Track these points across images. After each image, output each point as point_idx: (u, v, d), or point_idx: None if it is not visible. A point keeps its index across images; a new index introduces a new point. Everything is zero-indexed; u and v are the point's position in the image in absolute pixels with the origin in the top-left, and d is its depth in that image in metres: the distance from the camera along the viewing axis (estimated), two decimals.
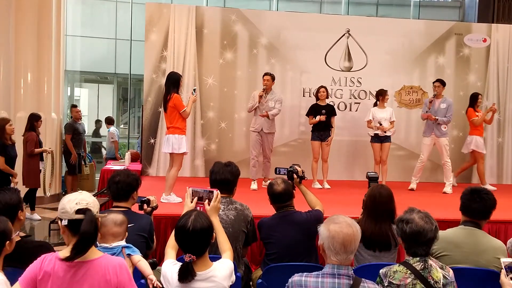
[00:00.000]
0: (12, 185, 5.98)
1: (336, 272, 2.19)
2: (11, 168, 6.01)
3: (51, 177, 7.35)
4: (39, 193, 7.03)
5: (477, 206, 2.98)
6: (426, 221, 2.42)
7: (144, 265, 2.78)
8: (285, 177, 3.65)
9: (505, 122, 8.52)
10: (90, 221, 2.08)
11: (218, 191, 2.88)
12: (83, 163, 8.67)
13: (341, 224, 2.22)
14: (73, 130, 8.13)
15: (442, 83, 6.86)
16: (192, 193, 2.87)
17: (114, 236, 2.78)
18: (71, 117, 8.62)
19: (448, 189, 6.78)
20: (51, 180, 7.34)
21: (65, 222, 2.10)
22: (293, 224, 3.29)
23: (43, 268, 2.06)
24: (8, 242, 2.22)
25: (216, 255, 2.68)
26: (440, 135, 6.77)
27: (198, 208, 2.79)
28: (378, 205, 3.28)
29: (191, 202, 2.84)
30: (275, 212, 3.48)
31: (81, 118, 8.44)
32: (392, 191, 3.43)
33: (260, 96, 6.50)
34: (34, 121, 6.70)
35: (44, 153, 6.83)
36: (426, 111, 6.78)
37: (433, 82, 6.95)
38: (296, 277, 2.25)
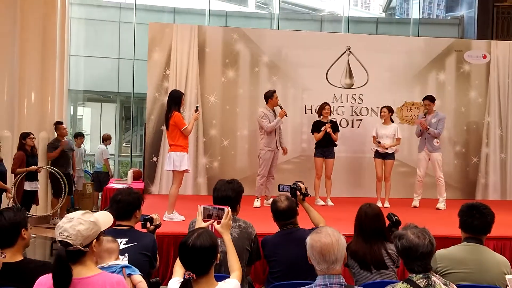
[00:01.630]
0: (7, 201, 6.02)
1: (327, 282, 2.24)
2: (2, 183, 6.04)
3: (63, 196, 7.32)
4: (40, 212, 7.05)
5: (478, 222, 2.97)
6: (418, 236, 2.41)
7: (143, 287, 2.74)
8: (288, 194, 3.63)
9: (507, 137, 8.52)
10: (55, 260, 2.08)
11: (229, 208, 2.88)
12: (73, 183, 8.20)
13: (320, 234, 2.28)
14: (54, 149, 7.68)
15: (431, 99, 6.89)
16: (203, 210, 2.88)
17: (109, 253, 2.74)
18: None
19: (441, 205, 6.78)
20: (63, 198, 7.31)
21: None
22: (297, 241, 3.26)
23: None
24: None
25: (222, 274, 2.66)
26: (432, 150, 6.78)
27: (209, 226, 2.80)
28: (365, 225, 3.29)
29: (202, 220, 2.85)
30: (279, 230, 3.46)
31: (67, 135, 8.09)
32: (381, 209, 3.42)
33: (285, 115, 6.50)
34: (22, 139, 6.70)
35: (38, 172, 6.74)
36: (420, 130, 6.82)
37: (423, 100, 6.96)
38: None
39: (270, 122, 6.42)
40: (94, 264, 2.22)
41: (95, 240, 2.19)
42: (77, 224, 2.13)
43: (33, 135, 6.85)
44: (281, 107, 6.51)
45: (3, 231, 2.58)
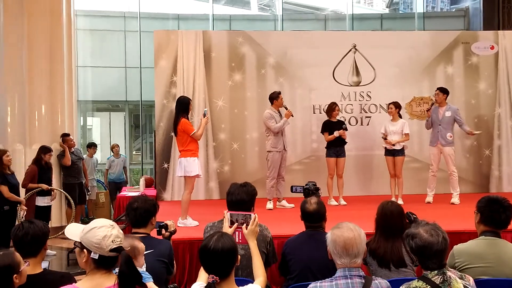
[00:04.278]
0: (20, 212, 5.98)
1: (348, 274, 2.34)
2: (16, 196, 5.94)
3: (73, 210, 7.35)
4: (56, 223, 7.07)
5: (504, 216, 2.94)
6: (431, 234, 2.37)
7: None
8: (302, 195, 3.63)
9: None
10: (125, 262, 2.07)
11: (256, 214, 2.91)
12: (86, 191, 8.31)
13: (342, 229, 2.39)
14: (63, 156, 7.74)
15: (442, 91, 6.84)
16: (230, 216, 2.92)
17: None
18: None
19: (455, 199, 6.71)
20: (73, 213, 7.34)
21: (95, 256, 2.09)
22: (319, 243, 3.23)
23: None
24: (16, 275, 2.28)
25: (240, 278, 2.66)
26: (445, 144, 6.71)
27: (236, 232, 2.85)
28: (390, 224, 3.26)
29: (230, 226, 2.89)
30: (304, 230, 3.44)
31: (75, 146, 8.12)
32: (402, 206, 3.41)
33: (291, 115, 6.53)
34: (42, 153, 6.58)
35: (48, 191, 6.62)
36: (427, 120, 6.91)
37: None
38: (311, 285, 2.38)
39: (276, 123, 6.44)
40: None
41: None
42: (118, 228, 2.17)
43: (52, 152, 6.76)
44: (286, 108, 6.53)
45: (34, 239, 2.61)
